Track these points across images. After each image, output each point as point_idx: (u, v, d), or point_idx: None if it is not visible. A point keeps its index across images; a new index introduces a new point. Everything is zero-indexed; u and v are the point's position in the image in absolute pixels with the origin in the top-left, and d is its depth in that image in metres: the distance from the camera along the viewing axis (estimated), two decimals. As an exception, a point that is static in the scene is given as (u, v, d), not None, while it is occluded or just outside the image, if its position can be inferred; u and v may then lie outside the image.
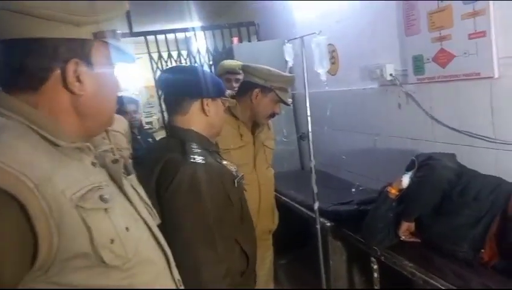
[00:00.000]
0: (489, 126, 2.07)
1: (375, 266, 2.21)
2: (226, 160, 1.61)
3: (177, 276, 0.98)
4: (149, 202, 1.03)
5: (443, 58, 2.24)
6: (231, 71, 3.27)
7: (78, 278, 0.75)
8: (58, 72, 0.79)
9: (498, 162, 2.05)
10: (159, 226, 1.01)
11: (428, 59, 2.34)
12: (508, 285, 1.64)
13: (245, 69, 2.09)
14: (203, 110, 1.50)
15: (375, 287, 2.24)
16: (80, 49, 0.80)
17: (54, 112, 0.81)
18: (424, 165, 2.00)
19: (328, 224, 2.56)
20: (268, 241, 2.28)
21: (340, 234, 2.51)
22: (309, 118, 2.48)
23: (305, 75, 2.45)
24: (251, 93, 2.05)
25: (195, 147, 1.42)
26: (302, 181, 3.12)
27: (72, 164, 0.80)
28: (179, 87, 1.51)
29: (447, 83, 2.27)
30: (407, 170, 2.10)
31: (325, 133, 3.38)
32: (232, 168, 1.58)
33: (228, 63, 3.35)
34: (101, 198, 0.79)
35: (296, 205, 2.98)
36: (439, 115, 2.38)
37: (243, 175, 1.63)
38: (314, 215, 2.54)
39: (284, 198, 3.12)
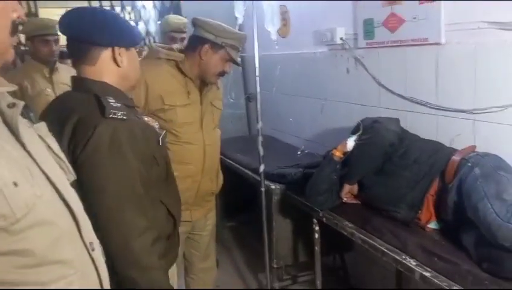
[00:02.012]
0: (433, 93, 2.11)
1: (317, 227, 2.24)
2: (146, 116, 1.49)
3: (89, 239, 0.88)
4: (62, 155, 0.91)
5: (393, 22, 2.24)
6: (176, 29, 3.12)
7: None
8: None
9: (439, 127, 2.11)
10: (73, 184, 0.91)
11: (378, 23, 2.33)
12: (443, 245, 1.70)
13: (196, 22, 1.97)
14: (114, 60, 1.33)
15: (316, 248, 2.27)
16: None
17: None
18: (369, 129, 2.02)
19: (273, 187, 2.55)
20: (211, 203, 2.23)
21: (284, 196, 2.51)
22: (257, 78, 2.42)
23: (255, 33, 2.37)
24: (200, 49, 1.94)
25: (113, 101, 1.26)
26: (249, 145, 3.08)
27: None
28: (86, 33, 1.31)
29: (395, 48, 2.28)
30: (353, 133, 2.11)
31: (273, 97, 3.34)
32: (155, 125, 1.47)
33: (173, 19, 3.18)
34: None
35: (242, 168, 2.95)
36: (386, 80, 2.40)
37: (165, 133, 1.52)
38: (259, 178, 2.52)
39: (230, 161, 3.08)
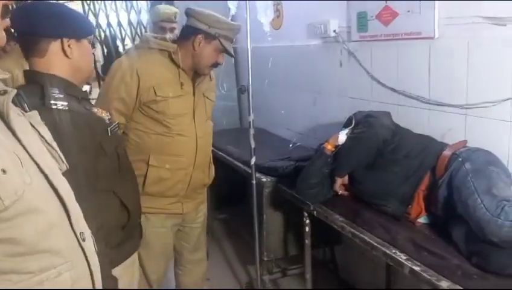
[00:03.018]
0: (425, 87, 2.11)
1: (307, 221, 2.24)
2: (97, 108, 1.47)
3: (79, 229, 0.86)
4: (54, 145, 0.91)
5: (387, 15, 2.22)
6: (166, 19, 3.07)
7: None
8: None
9: (431, 121, 2.11)
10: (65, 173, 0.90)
11: (372, 16, 2.32)
12: (433, 240, 1.71)
13: (189, 12, 1.94)
14: (64, 51, 1.32)
15: (306, 241, 2.27)
16: None
17: None
18: (363, 122, 2.02)
19: (264, 179, 2.54)
20: (202, 195, 2.22)
21: (275, 189, 2.50)
22: (250, 70, 2.39)
23: (248, 24, 2.34)
24: (194, 39, 1.91)
25: (56, 92, 1.27)
26: (240, 137, 3.07)
27: None
28: (33, 26, 1.30)
29: (388, 42, 2.27)
30: (345, 127, 2.10)
31: (266, 89, 3.33)
32: (105, 116, 1.45)
33: (163, 9, 3.13)
34: None
35: (233, 161, 2.94)
36: (378, 74, 2.39)
37: (118, 123, 1.51)
38: (250, 171, 2.51)
39: (221, 153, 3.06)
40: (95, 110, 1.43)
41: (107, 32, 4.78)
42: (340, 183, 2.08)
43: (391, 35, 2.24)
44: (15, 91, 0.80)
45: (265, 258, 2.60)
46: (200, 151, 2.02)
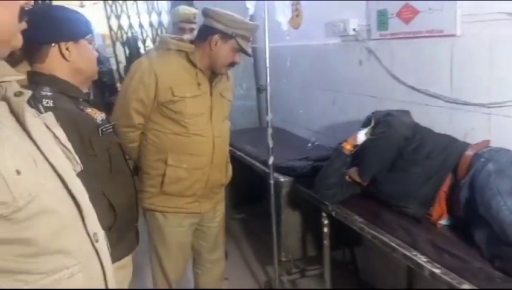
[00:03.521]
0: (447, 85, 2.06)
1: (326, 221, 2.21)
2: (92, 108, 1.47)
3: (93, 230, 0.86)
4: (69, 146, 0.91)
5: (407, 13, 2.18)
6: (185, 20, 3.10)
7: None
8: None
9: (453, 121, 2.06)
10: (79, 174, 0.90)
11: (392, 14, 2.28)
12: (454, 242, 1.67)
13: (206, 12, 1.95)
14: (62, 55, 1.35)
15: (325, 242, 2.25)
16: None
17: None
18: (382, 122, 1.98)
19: (282, 179, 2.53)
20: (220, 195, 2.23)
21: (293, 189, 2.49)
22: (267, 70, 2.39)
23: (266, 24, 2.33)
24: (210, 39, 1.92)
25: (46, 90, 1.29)
26: (259, 137, 3.06)
27: None
28: (31, 33, 1.33)
29: (409, 40, 2.23)
30: (363, 126, 2.07)
31: (284, 89, 3.31)
32: (98, 116, 1.45)
33: (183, 10, 3.15)
34: None
35: (251, 160, 2.93)
36: (399, 72, 2.35)
37: (113, 125, 1.50)
38: (268, 171, 2.50)
39: (239, 153, 3.06)
40: (89, 110, 1.44)
41: (129, 34, 4.86)
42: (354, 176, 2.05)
43: (412, 33, 2.19)
44: (30, 93, 0.81)
45: (283, 259, 2.59)
46: (217, 151, 2.03)
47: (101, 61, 3.75)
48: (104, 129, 1.42)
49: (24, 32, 1.33)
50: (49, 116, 0.91)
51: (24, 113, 0.78)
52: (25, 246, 0.72)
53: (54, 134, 0.88)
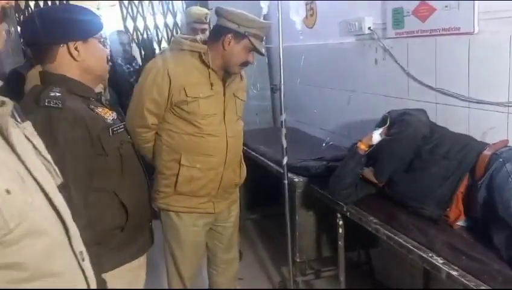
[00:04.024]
0: (464, 84, 2.03)
1: (341, 222, 2.20)
2: (103, 107, 1.47)
3: (79, 248, 0.81)
4: (49, 157, 0.86)
5: (424, 11, 2.16)
6: (197, 20, 3.10)
7: None
8: None
9: (471, 120, 2.02)
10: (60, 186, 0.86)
11: (408, 12, 2.25)
12: (472, 244, 1.64)
13: (218, 11, 1.95)
14: (71, 55, 1.35)
15: (340, 243, 2.23)
16: None
17: None
18: (399, 122, 1.95)
19: (296, 179, 2.52)
20: (234, 195, 2.22)
21: (307, 189, 2.48)
22: (281, 69, 2.38)
23: (280, 23, 2.32)
24: (223, 39, 1.92)
25: (55, 90, 1.28)
26: (273, 137, 3.05)
27: None
28: (39, 34, 1.33)
29: (425, 38, 2.20)
30: (378, 126, 2.05)
31: (299, 88, 3.30)
32: (108, 116, 1.44)
33: (195, 10, 3.16)
34: None
35: (265, 160, 2.93)
36: (415, 71, 2.32)
37: (123, 125, 1.49)
38: (282, 171, 2.49)
39: (253, 153, 3.06)
40: (99, 110, 1.44)
41: (145, 35, 4.90)
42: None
43: (428, 31, 2.16)
44: (12, 103, 0.75)
45: (297, 259, 2.58)
46: (230, 151, 2.03)
47: (128, 60, 3.75)
48: (114, 129, 1.42)
49: (33, 33, 1.34)
50: (29, 126, 0.85)
51: (8, 125, 0.72)
52: (16, 271, 0.68)
53: (34, 145, 0.82)
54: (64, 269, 0.76)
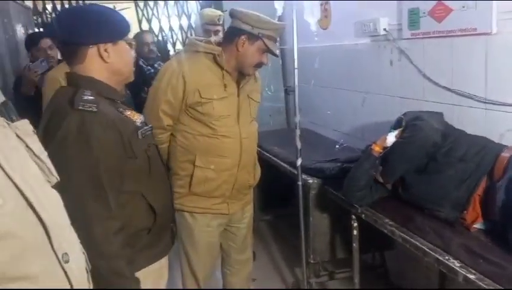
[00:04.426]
0: (481, 85, 2.00)
1: (355, 224, 2.18)
2: (130, 110, 1.48)
3: (62, 250, 0.80)
4: (43, 156, 0.84)
5: (440, 12, 2.13)
6: (210, 22, 3.09)
7: None
8: None
9: (488, 122, 2.00)
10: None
11: (424, 13, 2.23)
12: (489, 247, 1.62)
13: (233, 13, 1.96)
14: (101, 57, 1.35)
15: (354, 245, 2.22)
16: None
17: None
18: (412, 125, 1.94)
19: (310, 181, 2.51)
20: (248, 196, 2.23)
21: (321, 191, 2.47)
22: (296, 71, 2.38)
23: (295, 25, 2.32)
24: (237, 41, 1.93)
25: (87, 94, 1.29)
26: (287, 138, 3.05)
27: None
28: (70, 35, 1.33)
29: (441, 39, 2.17)
30: (393, 128, 2.04)
31: (313, 90, 3.29)
32: (137, 119, 1.45)
33: (207, 12, 3.16)
34: None
35: (279, 162, 2.93)
36: (431, 73, 2.30)
37: (151, 127, 1.50)
38: (296, 172, 2.49)
39: (267, 154, 3.06)
40: (128, 112, 1.45)
41: (160, 37, 4.95)
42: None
43: (445, 32, 2.14)
44: (2, 99, 0.75)
45: (311, 261, 2.57)
46: (244, 152, 2.03)
47: (152, 60, 3.73)
48: (143, 132, 1.43)
49: (62, 34, 1.35)
50: (23, 125, 0.83)
51: None
52: None
53: (26, 144, 0.80)
54: (37, 272, 0.75)
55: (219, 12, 3.21)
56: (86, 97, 1.27)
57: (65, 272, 0.80)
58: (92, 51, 1.34)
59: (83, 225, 1.19)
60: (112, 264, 1.26)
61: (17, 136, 0.79)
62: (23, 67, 3.09)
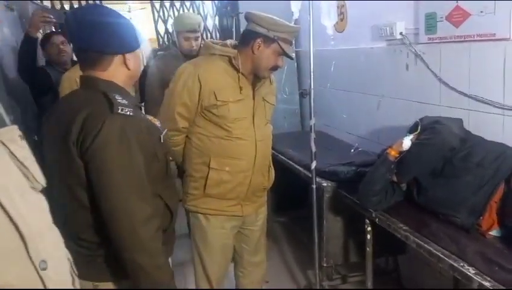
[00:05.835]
0: (499, 91, 1.98)
1: (369, 228, 2.18)
2: (149, 115, 1.52)
3: (39, 258, 0.78)
4: (28, 163, 0.82)
5: (458, 16, 2.12)
6: (191, 29, 2.90)
7: None
8: None
9: (505, 128, 1.97)
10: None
11: (441, 17, 2.22)
12: (506, 254, 1.60)
13: (248, 16, 1.97)
14: (125, 64, 1.39)
15: (368, 249, 2.21)
16: None
17: None
18: (430, 128, 1.93)
19: (325, 184, 2.51)
20: (263, 199, 2.24)
21: (336, 194, 2.47)
22: (311, 74, 2.38)
23: (311, 28, 2.33)
24: (253, 44, 1.94)
25: (120, 98, 1.31)
26: (302, 141, 3.06)
27: None
28: (97, 44, 1.34)
29: (458, 44, 2.16)
30: (410, 132, 2.03)
31: (328, 93, 3.29)
32: (157, 123, 1.50)
33: (187, 19, 2.98)
34: None
35: (294, 164, 2.93)
36: (448, 77, 2.28)
37: (166, 131, 1.55)
38: (311, 175, 2.49)
39: (281, 157, 3.07)
40: (149, 117, 1.50)
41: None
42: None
43: (462, 37, 2.12)
44: None
45: (324, 264, 2.57)
46: (259, 155, 2.04)
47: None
48: (163, 136, 1.48)
49: (86, 41, 1.34)
50: (9, 131, 0.80)
51: None
52: None
53: (10, 150, 0.78)
54: (14, 280, 0.75)
55: (199, 18, 3.07)
56: (121, 102, 1.30)
57: (42, 280, 0.79)
58: (117, 59, 1.37)
59: (128, 225, 1.25)
60: (157, 260, 1.33)
61: (1, 142, 0.77)
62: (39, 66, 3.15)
